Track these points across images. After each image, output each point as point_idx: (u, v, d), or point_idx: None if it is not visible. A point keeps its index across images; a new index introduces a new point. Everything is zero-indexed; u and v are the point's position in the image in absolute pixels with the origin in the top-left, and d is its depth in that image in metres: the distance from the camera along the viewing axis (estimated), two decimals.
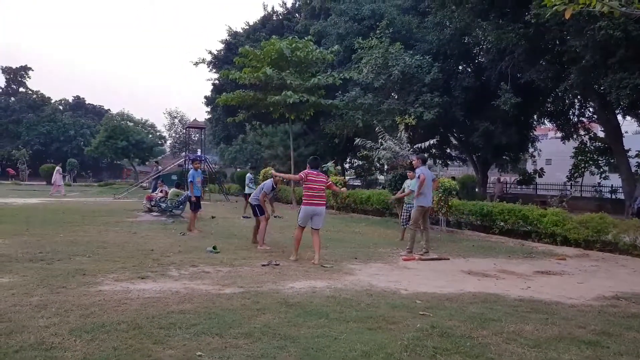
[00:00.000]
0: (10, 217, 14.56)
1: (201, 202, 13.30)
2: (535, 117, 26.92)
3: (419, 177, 9.96)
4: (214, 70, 38.04)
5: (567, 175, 29.15)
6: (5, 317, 4.78)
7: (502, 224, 13.39)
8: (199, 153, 36.08)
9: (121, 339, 4.25)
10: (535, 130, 29.66)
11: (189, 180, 12.99)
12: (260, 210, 10.30)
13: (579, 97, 23.35)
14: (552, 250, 11.01)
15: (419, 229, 10.09)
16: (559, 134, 28.88)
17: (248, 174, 18.85)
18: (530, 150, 30.47)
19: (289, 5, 38.55)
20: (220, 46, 38.64)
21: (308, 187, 8.79)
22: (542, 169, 31.34)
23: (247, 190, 17.89)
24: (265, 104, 23.67)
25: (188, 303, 5.48)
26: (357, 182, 38.95)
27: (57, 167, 30.51)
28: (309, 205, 8.76)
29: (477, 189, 25.02)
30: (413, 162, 10.82)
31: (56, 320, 4.70)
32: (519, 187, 33.07)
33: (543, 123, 30.08)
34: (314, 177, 8.81)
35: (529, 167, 35.07)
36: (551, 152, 38.54)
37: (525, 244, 11.85)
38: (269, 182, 10.52)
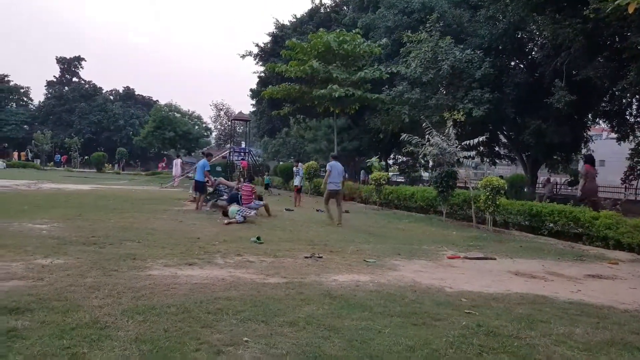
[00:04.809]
0: (64, 202, 15.17)
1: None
2: (589, 116, 25.95)
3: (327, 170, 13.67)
4: (261, 63, 38.35)
5: (622, 178, 28.06)
6: (62, 296, 4.99)
7: (551, 225, 12.99)
8: (243, 145, 36.57)
9: (171, 321, 4.37)
10: (589, 130, 28.59)
11: (201, 168, 15.35)
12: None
13: (637, 96, 22.36)
14: (603, 254, 10.61)
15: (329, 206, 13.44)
16: (614, 135, 27.77)
17: (295, 167, 19.65)
18: (583, 150, 29.39)
19: None
20: (267, 39, 38.93)
21: None
22: None
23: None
24: (311, 98, 23.74)
25: (234, 290, 5.57)
26: (401, 179, 38.64)
27: (176, 160, 31.42)
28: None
29: (525, 189, 24.33)
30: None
31: (109, 301, 4.87)
32: (569, 188, 32.04)
33: (597, 123, 28.95)
34: None
35: (581, 168, 33.92)
36: (605, 153, 37.16)
37: (576, 247, 11.46)
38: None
